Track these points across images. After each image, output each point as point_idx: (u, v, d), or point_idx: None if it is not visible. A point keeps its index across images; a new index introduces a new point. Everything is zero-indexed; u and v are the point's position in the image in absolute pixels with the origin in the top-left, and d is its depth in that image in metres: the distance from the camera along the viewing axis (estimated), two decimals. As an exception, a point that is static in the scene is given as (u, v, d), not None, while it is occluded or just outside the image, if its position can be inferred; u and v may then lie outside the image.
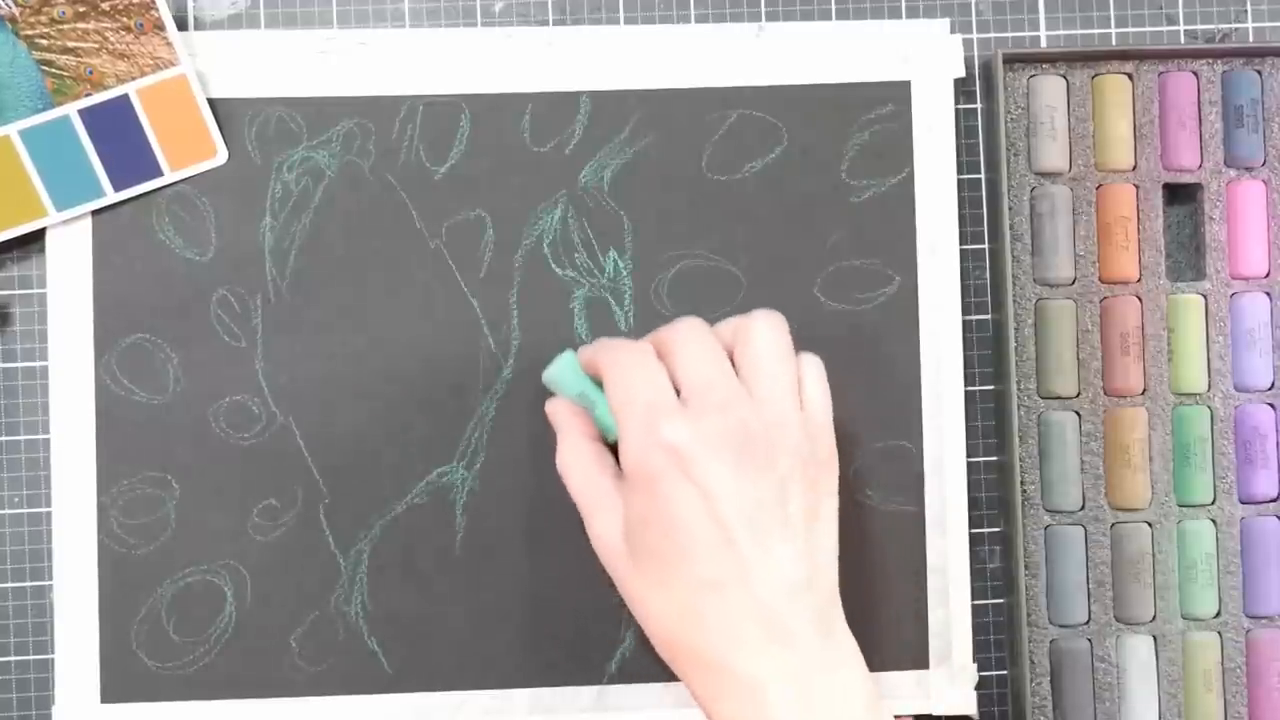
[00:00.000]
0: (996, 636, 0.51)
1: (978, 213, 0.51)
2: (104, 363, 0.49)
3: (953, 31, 0.51)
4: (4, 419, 0.50)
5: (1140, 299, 0.51)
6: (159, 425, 0.49)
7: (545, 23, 0.51)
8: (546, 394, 0.48)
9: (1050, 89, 0.51)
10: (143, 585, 0.49)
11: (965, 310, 0.51)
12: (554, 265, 0.50)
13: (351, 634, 0.49)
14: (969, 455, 0.51)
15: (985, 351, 0.51)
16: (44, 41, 0.47)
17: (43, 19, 0.47)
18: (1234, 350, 0.51)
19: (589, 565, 0.49)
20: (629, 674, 0.50)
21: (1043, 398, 0.50)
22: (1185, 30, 0.52)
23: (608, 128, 0.50)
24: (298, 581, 0.49)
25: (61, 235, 0.49)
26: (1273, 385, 0.51)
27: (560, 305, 0.50)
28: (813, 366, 0.44)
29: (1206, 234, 0.51)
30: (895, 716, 0.42)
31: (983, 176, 0.51)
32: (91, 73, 0.48)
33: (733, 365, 0.43)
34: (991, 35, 0.52)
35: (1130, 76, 0.51)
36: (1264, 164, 0.51)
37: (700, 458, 0.40)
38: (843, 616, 0.43)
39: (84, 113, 0.48)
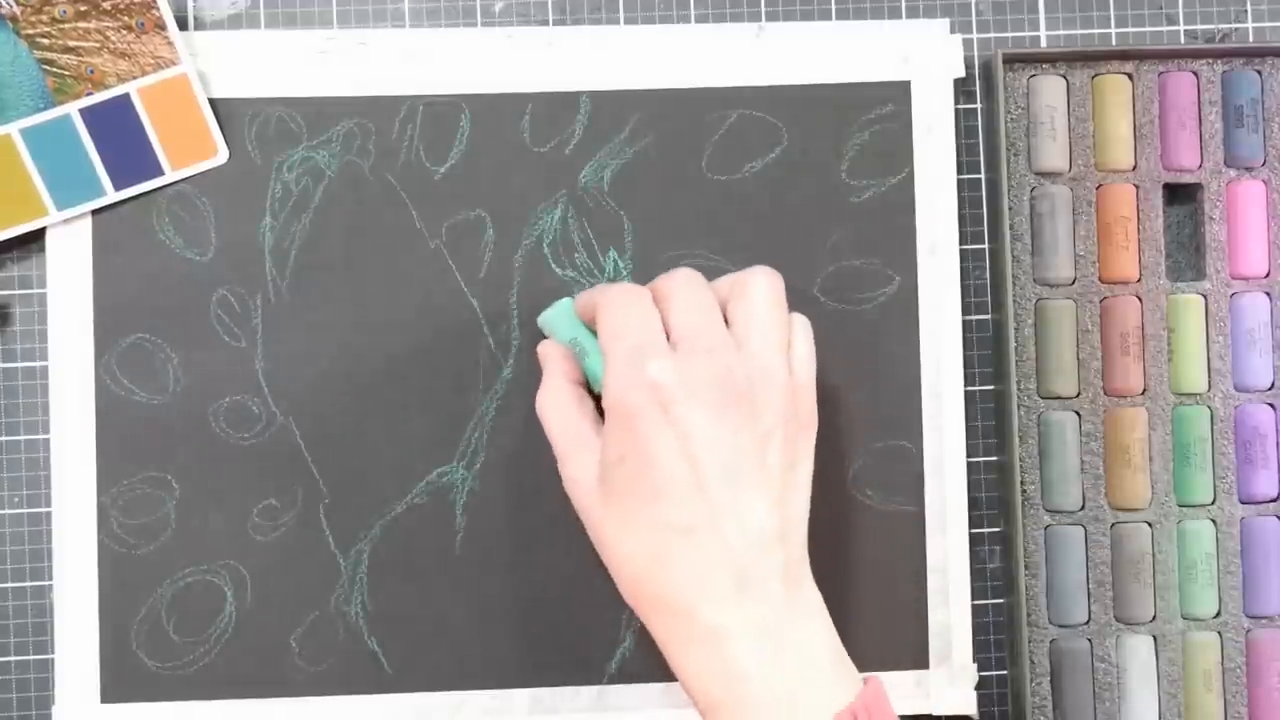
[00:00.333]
0: (996, 636, 0.51)
1: (978, 213, 0.51)
2: (104, 363, 0.49)
3: (953, 31, 0.51)
4: (4, 419, 0.50)
5: (1140, 299, 0.51)
6: (159, 425, 0.49)
7: (545, 23, 0.51)
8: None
9: (1050, 89, 0.51)
10: (143, 585, 0.49)
11: (965, 310, 0.51)
12: (554, 265, 0.50)
13: (351, 634, 0.49)
14: (969, 455, 0.51)
15: (985, 351, 0.51)
16: (45, 40, 0.47)
17: (44, 18, 0.47)
18: (1234, 350, 0.51)
19: (589, 565, 0.49)
20: (629, 674, 0.50)
21: (1043, 398, 0.50)
22: (1185, 30, 0.52)
23: (608, 128, 0.50)
24: (298, 581, 0.49)
25: (61, 235, 0.49)
26: (1273, 385, 0.51)
27: (560, 305, 0.50)
28: (803, 328, 0.44)
29: (1206, 234, 0.51)
30: (864, 676, 0.41)
31: (983, 176, 0.51)
32: (92, 72, 0.48)
33: (727, 319, 0.43)
34: (991, 35, 0.52)
35: (1130, 76, 0.51)
36: (1264, 164, 0.51)
37: (682, 399, 0.40)
38: (810, 574, 0.42)
39: (85, 112, 0.48)
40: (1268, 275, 0.51)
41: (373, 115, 0.50)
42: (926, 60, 0.51)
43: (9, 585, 0.49)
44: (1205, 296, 0.51)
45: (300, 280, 0.50)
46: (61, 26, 0.48)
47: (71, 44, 0.48)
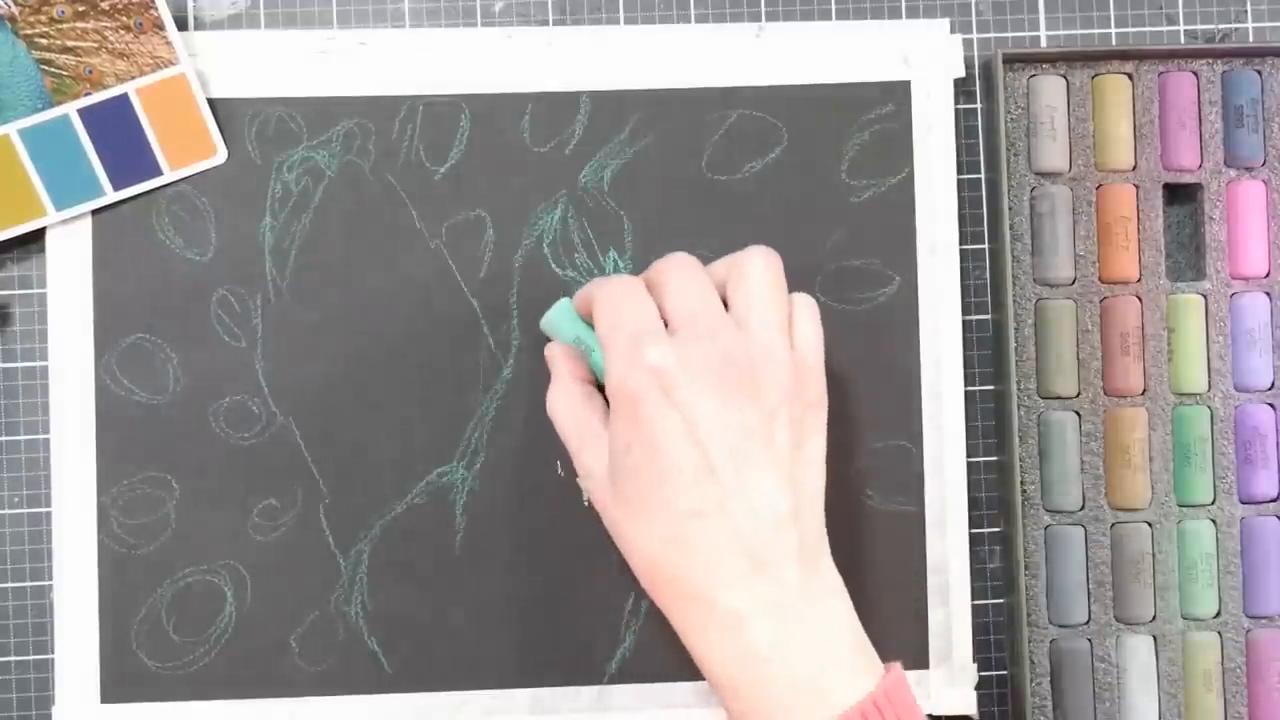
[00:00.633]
0: (996, 636, 0.51)
1: (978, 213, 0.51)
2: (104, 363, 0.49)
3: (953, 31, 0.51)
4: (4, 419, 0.50)
5: (1140, 299, 0.51)
6: (159, 425, 0.49)
7: (545, 23, 0.51)
8: (546, 395, 0.48)
9: (1050, 89, 0.51)
10: (143, 585, 0.49)
11: (965, 310, 0.51)
12: (554, 265, 0.50)
13: (351, 634, 0.49)
14: (969, 455, 0.51)
15: (985, 351, 0.51)
16: (43, 41, 0.47)
17: (42, 18, 0.47)
18: (1234, 350, 0.51)
19: (589, 565, 0.49)
20: (629, 674, 0.50)
21: (1043, 398, 0.50)
22: (1185, 30, 0.52)
23: (608, 128, 0.50)
24: (298, 581, 0.49)
25: (61, 235, 0.49)
26: (1273, 385, 0.51)
27: (560, 305, 0.50)
28: (806, 306, 0.44)
29: (1206, 234, 0.51)
30: (885, 664, 0.41)
31: (983, 176, 0.51)
32: (91, 72, 0.48)
33: (725, 303, 0.43)
34: (991, 35, 0.52)
35: (1130, 76, 0.51)
36: (1264, 164, 0.51)
37: (683, 382, 0.40)
38: (829, 555, 0.42)
39: (83, 112, 0.48)
40: (1268, 275, 0.51)
41: (373, 115, 0.50)
42: (926, 60, 0.51)
43: (9, 585, 0.49)
44: (1205, 296, 0.51)
45: (300, 280, 0.50)
46: (60, 26, 0.47)
47: (70, 44, 0.48)
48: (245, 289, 0.50)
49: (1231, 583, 0.50)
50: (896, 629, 0.50)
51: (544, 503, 0.50)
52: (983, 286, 0.51)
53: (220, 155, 0.49)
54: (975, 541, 0.51)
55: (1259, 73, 0.51)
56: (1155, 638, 0.50)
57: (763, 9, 0.51)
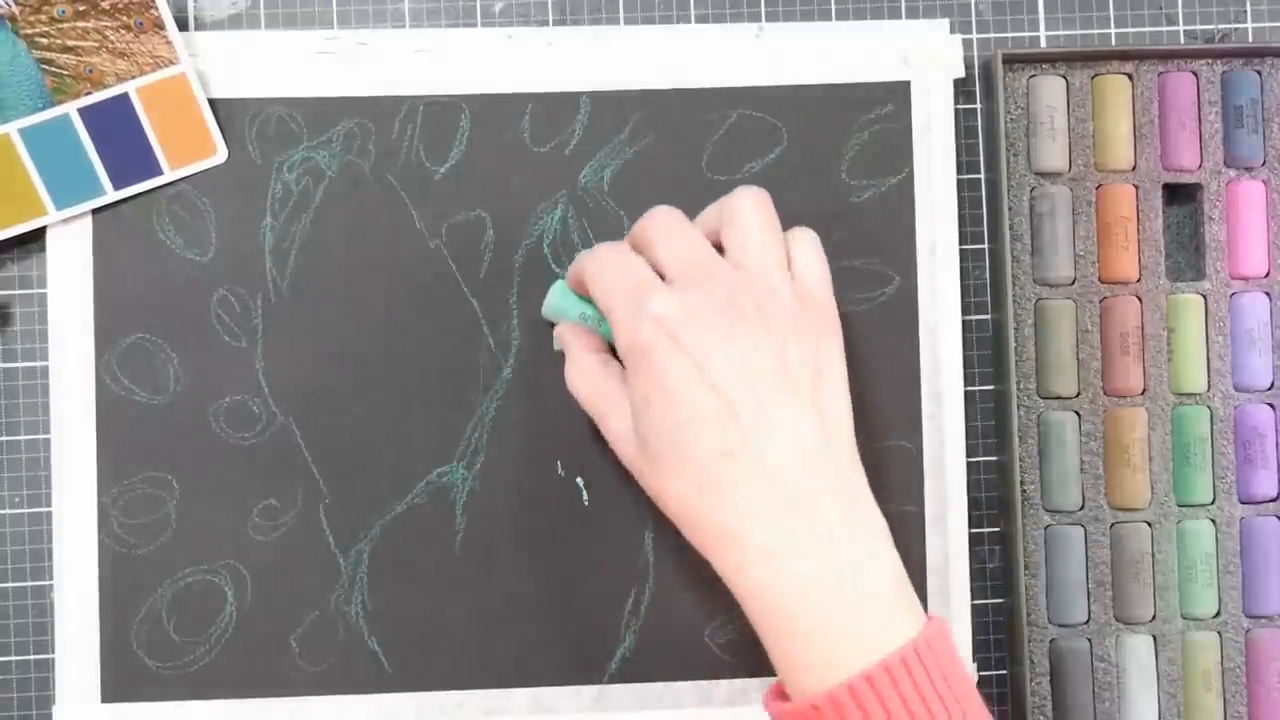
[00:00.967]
0: (996, 636, 0.51)
1: (978, 213, 0.51)
2: (104, 363, 0.49)
3: (953, 32, 0.51)
4: (4, 419, 0.50)
5: (1140, 299, 0.51)
6: (159, 425, 0.49)
7: (545, 23, 0.51)
8: (546, 394, 0.48)
9: (1050, 89, 0.51)
10: (143, 585, 0.49)
11: (965, 310, 0.51)
12: (554, 265, 0.50)
13: (351, 634, 0.49)
14: (969, 455, 0.51)
15: (985, 351, 0.51)
16: (44, 40, 0.47)
17: (42, 18, 0.47)
18: (1234, 350, 0.51)
19: (589, 565, 0.49)
20: (629, 674, 0.50)
21: (1043, 398, 0.50)
22: (1185, 30, 0.52)
23: (608, 128, 0.50)
24: (298, 581, 0.49)
25: (61, 234, 0.49)
26: (1272, 385, 0.51)
27: (560, 305, 0.50)
28: (807, 240, 0.44)
29: (1206, 234, 0.51)
30: (928, 614, 0.41)
31: (983, 176, 0.52)
32: (91, 71, 0.48)
33: (721, 249, 0.43)
34: (991, 35, 0.52)
35: (1130, 76, 0.51)
36: (1264, 164, 0.51)
37: (690, 327, 0.40)
38: (866, 485, 0.42)
39: (84, 111, 0.48)
40: (1267, 275, 0.51)
41: (373, 115, 0.50)
42: (926, 60, 0.51)
43: (9, 585, 0.49)
44: (1205, 296, 0.51)
45: (300, 280, 0.50)
46: (60, 26, 0.47)
47: (70, 43, 0.48)
48: (245, 289, 0.50)
49: (1231, 583, 0.50)
50: (896, 629, 0.50)
51: (544, 503, 0.50)
52: (983, 286, 0.51)
53: (220, 155, 0.49)
54: (975, 541, 0.51)
55: (1259, 73, 0.51)
56: (1155, 637, 0.50)
57: (763, 9, 0.51)
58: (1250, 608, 0.50)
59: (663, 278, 0.42)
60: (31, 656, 0.49)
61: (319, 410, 0.49)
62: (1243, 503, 0.51)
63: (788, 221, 0.50)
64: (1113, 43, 0.52)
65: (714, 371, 0.40)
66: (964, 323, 0.51)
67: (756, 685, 0.49)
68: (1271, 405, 0.51)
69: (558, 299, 0.47)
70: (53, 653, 0.49)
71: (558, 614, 0.49)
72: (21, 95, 0.48)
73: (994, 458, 0.51)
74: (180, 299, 0.49)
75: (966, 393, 0.51)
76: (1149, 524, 0.50)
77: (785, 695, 0.41)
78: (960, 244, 0.51)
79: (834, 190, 0.50)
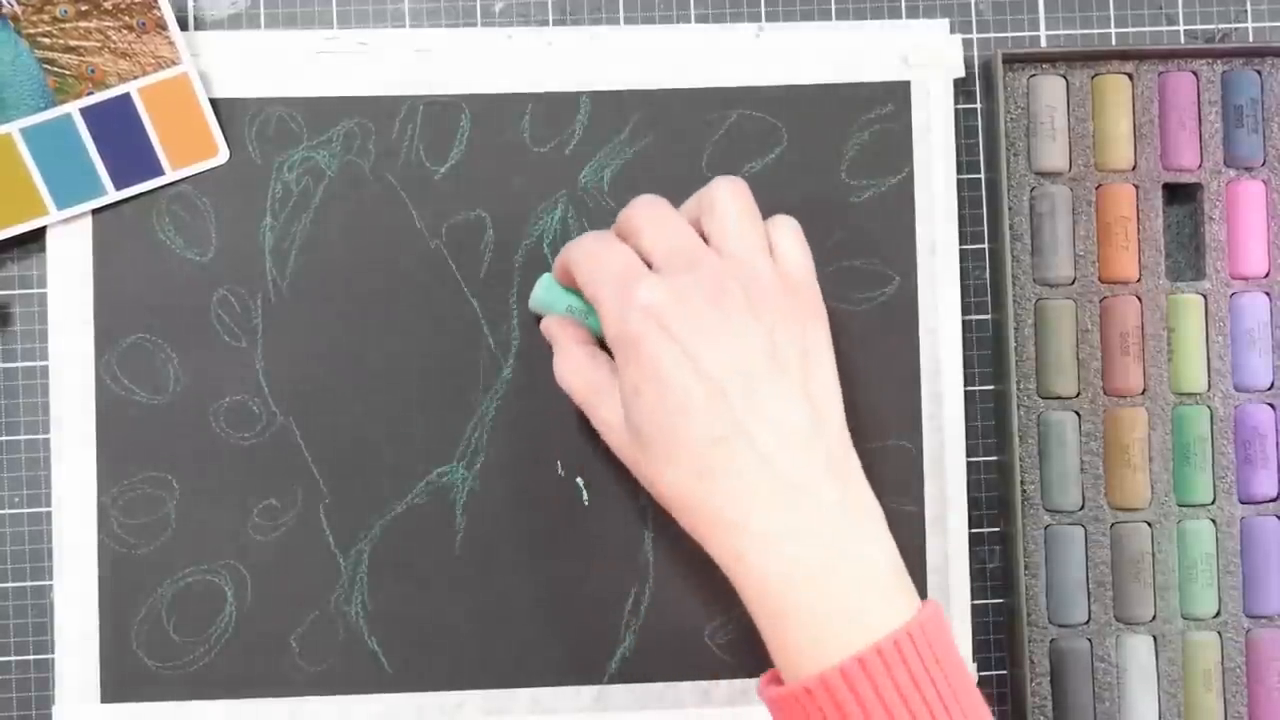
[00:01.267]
0: (996, 636, 0.51)
1: (978, 213, 0.51)
2: (104, 363, 0.49)
3: (953, 31, 0.51)
4: (4, 419, 0.50)
5: (1140, 299, 0.51)
6: (159, 425, 0.49)
7: (545, 23, 0.51)
8: (546, 395, 0.48)
9: (1050, 89, 0.51)
10: (143, 585, 0.49)
11: (965, 310, 0.51)
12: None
13: (351, 634, 0.49)
14: (969, 455, 0.51)
15: (985, 351, 0.51)
16: (46, 40, 0.48)
17: (45, 17, 0.47)
18: (1234, 350, 0.51)
19: (589, 565, 0.49)
20: (629, 674, 0.49)
21: (1043, 398, 0.50)
22: (1185, 30, 0.52)
23: (608, 128, 0.50)
24: (298, 581, 0.49)
25: (62, 234, 0.49)
26: (1272, 385, 0.51)
27: (560, 305, 0.50)
28: (787, 226, 0.44)
29: (1206, 234, 0.51)
30: (924, 600, 0.41)
31: (983, 176, 0.52)
32: (93, 71, 0.48)
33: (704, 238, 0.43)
34: (991, 35, 0.52)
35: (1130, 76, 0.51)
36: (1264, 164, 0.51)
37: (678, 315, 0.40)
38: (859, 468, 0.42)
39: (85, 111, 0.48)
40: (1267, 275, 0.51)
41: (373, 115, 0.50)
42: (926, 60, 0.51)
43: (9, 585, 0.49)
44: (1205, 296, 0.51)
45: (300, 280, 0.50)
46: (62, 26, 0.48)
47: (72, 43, 0.48)
48: (245, 289, 0.50)
49: (1231, 582, 0.50)
50: (897, 629, 0.50)
51: (544, 503, 0.50)
52: (983, 286, 0.51)
53: (221, 155, 0.49)
54: (975, 541, 0.51)
55: (1259, 73, 0.51)
56: (1155, 637, 0.50)
57: (763, 9, 0.51)
58: (1250, 608, 0.50)
59: (649, 266, 0.42)
60: (31, 656, 0.49)
61: (319, 410, 0.49)
62: (1243, 503, 0.51)
63: (788, 221, 0.50)
64: (1113, 43, 0.52)
65: (704, 358, 0.40)
66: (964, 323, 0.51)
67: (756, 685, 0.49)
68: (1271, 405, 0.51)
69: (544, 292, 0.47)
70: (53, 653, 0.49)
71: (558, 614, 0.49)
72: (23, 95, 0.48)
73: (994, 458, 0.51)
74: (180, 299, 0.49)
75: (966, 393, 0.51)
76: (1149, 524, 0.50)
77: (780, 682, 0.41)
78: (960, 244, 0.51)
79: (834, 190, 0.51)
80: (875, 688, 0.38)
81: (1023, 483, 0.50)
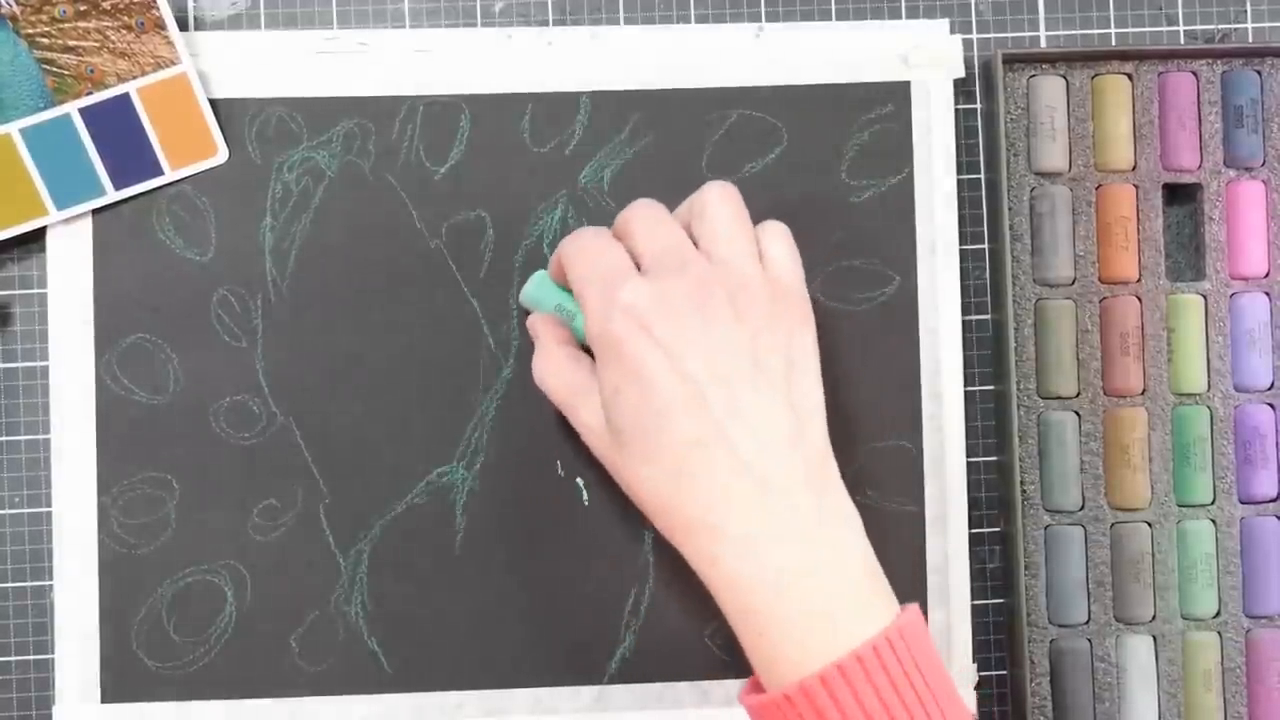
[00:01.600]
0: (996, 636, 0.51)
1: (978, 213, 0.51)
2: (104, 363, 0.49)
3: (953, 32, 0.51)
4: (4, 419, 0.50)
5: (1140, 299, 0.51)
6: (159, 425, 0.49)
7: (545, 23, 0.51)
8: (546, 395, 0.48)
9: (1050, 89, 0.51)
10: (143, 585, 0.49)
11: (965, 310, 0.51)
12: (554, 265, 0.50)
13: (351, 634, 0.49)
14: (969, 455, 0.51)
15: (985, 351, 0.51)
16: (45, 40, 0.47)
17: (44, 17, 0.47)
18: (1234, 350, 0.51)
19: (589, 565, 0.49)
20: (629, 674, 0.50)
21: (1043, 398, 0.50)
22: (1185, 30, 0.52)
23: (608, 128, 0.50)
24: (298, 581, 0.49)
25: (62, 234, 0.49)
26: (1272, 385, 0.51)
27: (560, 305, 0.50)
28: (777, 232, 0.44)
29: (1206, 234, 0.51)
30: (903, 605, 0.41)
31: (983, 176, 0.52)
32: (92, 71, 0.48)
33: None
34: (991, 35, 0.52)
35: (1130, 76, 0.51)
36: (1264, 164, 0.51)
37: (661, 317, 0.40)
38: (838, 476, 0.42)
39: (85, 111, 0.48)
40: (1267, 275, 0.51)
41: (373, 115, 0.50)
42: (926, 60, 0.51)
43: (9, 585, 0.49)
44: (1205, 296, 0.51)
45: (300, 280, 0.50)
46: (61, 26, 0.48)
47: (71, 43, 0.48)
48: (245, 289, 0.50)
49: (1231, 583, 0.50)
50: (896, 629, 0.50)
51: (544, 503, 0.50)
52: (983, 286, 0.51)
53: (221, 155, 0.49)
54: (975, 541, 0.51)
55: (1259, 73, 0.51)
56: (1155, 638, 0.50)
57: (763, 9, 0.51)
58: (1250, 608, 0.50)
59: (640, 266, 0.42)
60: (31, 657, 0.49)
61: (319, 410, 0.49)
62: (1243, 503, 0.51)
63: (788, 222, 0.50)
64: (1113, 43, 0.52)
65: (685, 361, 0.40)
66: (964, 323, 0.51)
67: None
68: (1271, 405, 0.51)
69: (535, 288, 0.47)
70: (53, 653, 0.49)
71: (557, 614, 0.49)
72: (22, 95, 0.48)
73: (994, 458, 0.51)
74: (180, 299, 0.49)
75: (966, 393, 0.51)
76: (1149, 524, 0.50)
77: (761, 689, 0.41)
78: (960, 244, 0.51)
79: (834, 190, 0.51)
80: (855, 694, 0.38)
81: (1023, 483, 0.50)
